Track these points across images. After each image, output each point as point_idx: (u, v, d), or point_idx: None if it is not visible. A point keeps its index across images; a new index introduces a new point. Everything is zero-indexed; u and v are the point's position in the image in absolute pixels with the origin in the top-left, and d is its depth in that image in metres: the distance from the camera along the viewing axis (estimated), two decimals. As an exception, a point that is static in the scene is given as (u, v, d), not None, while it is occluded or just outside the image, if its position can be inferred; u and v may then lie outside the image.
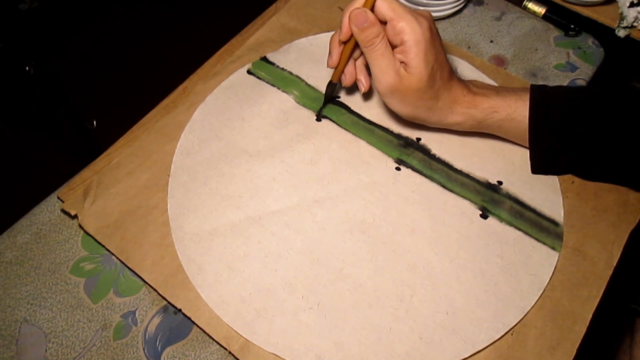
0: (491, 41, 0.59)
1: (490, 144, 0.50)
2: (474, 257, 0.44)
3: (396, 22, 0.41)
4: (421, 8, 0.58)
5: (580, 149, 0.45)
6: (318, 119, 0.52)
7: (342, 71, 0.48)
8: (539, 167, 0.47)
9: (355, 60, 0.48)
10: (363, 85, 0.48)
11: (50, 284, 0.43)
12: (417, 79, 0.42)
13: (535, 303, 0.42)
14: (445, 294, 0.42)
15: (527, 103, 0.44)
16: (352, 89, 0.53)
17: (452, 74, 0.45)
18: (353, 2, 0.43)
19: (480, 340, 0.40)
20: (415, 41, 0.41)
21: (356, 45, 0.45)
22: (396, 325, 0.41)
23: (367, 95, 0.53)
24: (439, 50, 0.43)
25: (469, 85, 0.46)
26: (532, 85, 0.45)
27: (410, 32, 0.41)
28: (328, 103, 0.52)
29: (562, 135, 0.44)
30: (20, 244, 0.45)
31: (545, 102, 0.44)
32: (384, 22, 0.42)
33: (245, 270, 0.43)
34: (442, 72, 0.43)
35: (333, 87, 0.50)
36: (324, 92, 0.53)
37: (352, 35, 0.43)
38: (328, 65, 0.47)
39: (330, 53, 0.47)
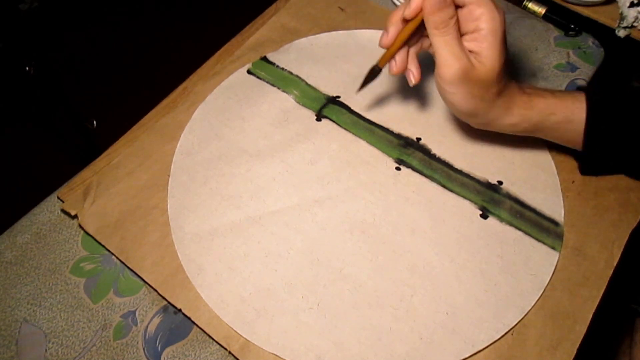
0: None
1: (490, 144, 0.50)
2: (474, 257, 0.44)
3: (475, 6, 0.38)
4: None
5: (636, 150, 0.44)
6: (318, 119, 0.52)
7: (394, 55, 0.43)
8: (590, 169, 0.46)
9: (410, 47, 0.43)
10: (414, 77, 0.44)
11: (50, 284, 0.43)
12: (489, 70, 0.39)
13: (535, 303, 0.42)
14: (445, 294, 0.42)
15: (584, 104, 0.43)
16: (352, 88, 0.53)
17: (508, 76, 0.42)
18: None
19: (480, 340, 0.40)
20: (492, 30, 0.38)
21: (417, 29, 0.41)
22: (396, 325, 0.41)
23: (367, 96, 0.53)
24: (506, 49, 0.40)
25: (523, 87, 0.43)
26: (587, 87, 0.44)
27: (489, 19, 0.38)
28: (365, 86, 0.47)
29: (618, 137, 0.43)
30: (20, 244, 0.45)
31: (603, 104, 0.43)
32: (460, 6, 0.39)
33: (245, 270, 0.43)
34: (505, 70, 0.41)
35: (376, 74, 0.45)
36: (323, 91, 0.53)
37: (419, 13, 0.39)
38: (381, 44, 0.42)
39: (386, 30, 0.42)
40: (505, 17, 0.39)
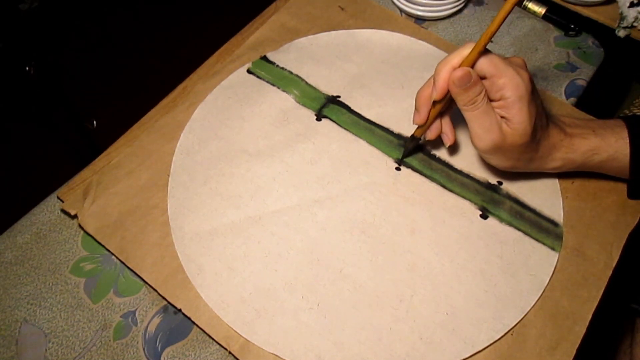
0: (491, 41, 0.59)
1: (490, 144, 0.50)
2: (474, 257, 0.44)
3: (497, 78, 0.38)
4: (421, 8, 0.58)
5: None
6: (318, 119, 0.52)
7: (429, 127, 0.45)
8: (638, 195, 0.47)
9: (442, 113, 0.44)
10: (449, 139, 0.45)
11: (50, 284, 0.43)
12: (522, 134, 0.39)
13: (535, 303, 0.42)
14: (445, 294, 0.42)
15: (627, 140, 0.42)
16: (351, 90, 0.53)
17: (548, 118, 0.42)
18: (449, 59, 0.39)
19: (480, 341, 0.40)
20: (518, 97, 0.38)
21: (448, 100, 0.42)
22: (396, 325, 0.41)
23: (367, 95, 0.53)
24: (537, 99, 0.40)
25: (563, 127, 0.43)
26: (625, 119, 0.44)
27: (513, 88, 0.38)
28: (408, 155, 0.49)
29: None
30: (20, 244, 0.45)
31: None
32: (482, 77, 0.39)
33: (245, 270, 0.43)
34: (541, 120, 0.41)
35: (416, 142, 0.47)
36: (323, 91, 0.53)
37: (447, 93, 0.40)
38: (415, 122, 0.44)
39: (417, 110, 0.43)
40: (529, 77, 0.39)
